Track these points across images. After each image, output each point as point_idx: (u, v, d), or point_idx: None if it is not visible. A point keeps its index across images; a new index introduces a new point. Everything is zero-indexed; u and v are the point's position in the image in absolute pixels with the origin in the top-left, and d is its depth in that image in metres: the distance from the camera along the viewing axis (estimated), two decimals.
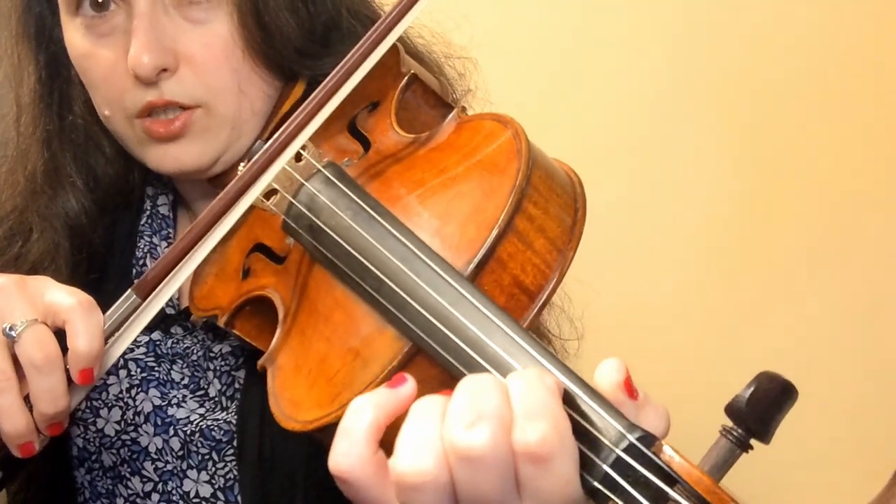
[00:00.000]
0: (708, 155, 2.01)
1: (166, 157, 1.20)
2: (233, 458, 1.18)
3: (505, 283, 0.89)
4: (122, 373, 1.25)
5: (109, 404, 1.25)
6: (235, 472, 1.18)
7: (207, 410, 1.21)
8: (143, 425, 1.22)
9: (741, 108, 1.99)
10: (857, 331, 1.96)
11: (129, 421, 1.23)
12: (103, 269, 1.29)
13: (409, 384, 0.76)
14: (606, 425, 0.70)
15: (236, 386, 1.22)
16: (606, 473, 0.69)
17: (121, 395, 1.24)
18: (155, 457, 1.22)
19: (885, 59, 1.94)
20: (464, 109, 1.03)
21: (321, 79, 1.16)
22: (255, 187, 1.01)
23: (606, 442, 0.69)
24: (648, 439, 0.69)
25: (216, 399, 1.22)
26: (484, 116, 1.01)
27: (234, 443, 1.19)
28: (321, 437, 0.93)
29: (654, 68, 2.01)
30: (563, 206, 0.94)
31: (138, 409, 1.23)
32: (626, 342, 1.81)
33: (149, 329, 1.23)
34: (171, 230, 1.32)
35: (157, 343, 1.26)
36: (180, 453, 1.20)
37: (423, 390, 0.90)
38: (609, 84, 2.03)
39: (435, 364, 0.88)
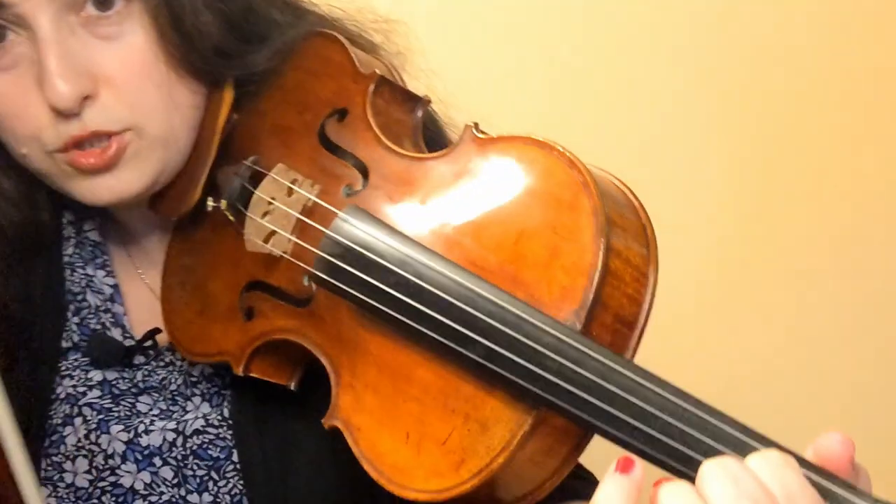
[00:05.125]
0: (714, 156, 1.99)
1: (100, 189, 1.10)
2: (234, 473, 1.16)
3: (608, 322, 0.91)
4: (78, 420, 1.18)
5: (70, 455, 1.17)
6: (241, 487, 1.16)
7: (178, 423, 1.17)
8: (122, 465, 1.17)
9: (749, 113, 1.97)
10: (866, 339, 2.02)
11: (102, 466, 1.17)
12: (28, 326, 1.19)
13: (639, 467, 0.78)
14: (849, 502, 0.75)
15: (226, 404, 1.18)
16: None
17: (80, 444, 1.17)
18: (145, 493, 1.17)
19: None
20: (476, 126, 1.00)
21: (249, 78, 1.11)
22: None
23: None
24: None
25: (192, 411, 1.18)
26: (515, 140, 0.97)
27: (234, 458, 1.16)
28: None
29: (654, 57, 1.96)
30: (635, 227, 0.94)
31: (108, 451, 1.17)
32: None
33: (98, 365, 1.18)
34: (106, 257, 1.23)
35: (113, 382, 1.19)
36: (175, 481, 1.16)
37: (549, 441, 0.92)
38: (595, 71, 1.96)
39: (559, 417, 0.90)
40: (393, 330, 0.96)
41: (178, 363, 1.19)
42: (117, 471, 1.17)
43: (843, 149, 2.02)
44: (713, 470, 0.75)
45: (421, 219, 0.99)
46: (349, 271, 0.97)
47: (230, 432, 1.16)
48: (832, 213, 2.04)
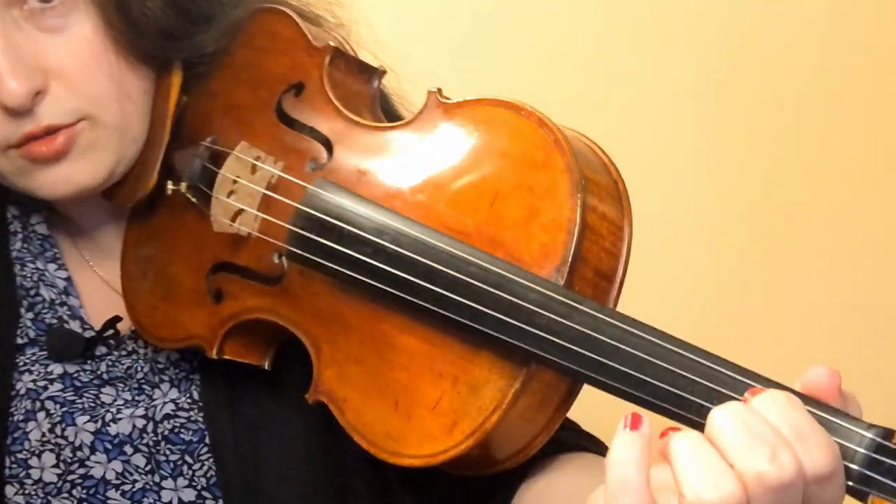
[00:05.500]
0: (714, 152, 1.98)
1: (57, 180, 1.09)
2: (208, 455, 1.15)
3: (589, 277, 0.93)
4: (41, 415, 1.16)
5: (35, 451, 1.16)
6: (216, 469, 1.15)
7: (147, 409, 1.16)
8: (92, 456, 1.15)
9: (749, 108, 1.97)
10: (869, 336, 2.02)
11: (70, 459, 1.15)
12: None
13: (647, 422, 0.79)
14: (846, 430, 0.78)
15: (194, 388, 1.17)
16: (862, 473, 0.77)
17: (45, 439, 1.16)
18: (117, 482, 1.16)
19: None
20: (440, 91, 1.01)
21: (197, 59, 1.11)
22: None
23: (852, 446, 0.77)
24: (887, 432, 0.78)
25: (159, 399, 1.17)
26: (481, 103, 0.98)
27: (207, 440, 1.15)
28: (445, 468, 0.95)
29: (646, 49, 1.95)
30: (607, 183, 0.96)
31: (76, 443, 1.16)
32: None
33: (59, 359, 1.17)
34: (56, 250, 1.21)
35: (74, 375, 1.17)
36: (147, 468, 1.15)
37: (540, 396, 0.94)
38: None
39: (549, 371, 0.92)
40: (373, 299, 0.97)
41: (142, 351, 1.18)
42: (87, 462, 1.15)
43: (843, 143, 2.03)
44: (723, 417, 0.76)
45: (392, 188, 0.99)
46: (324, 244, 0.98)
47: (201, 415, 1.15)
48: (833, 210, 2.05)
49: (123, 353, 1.18)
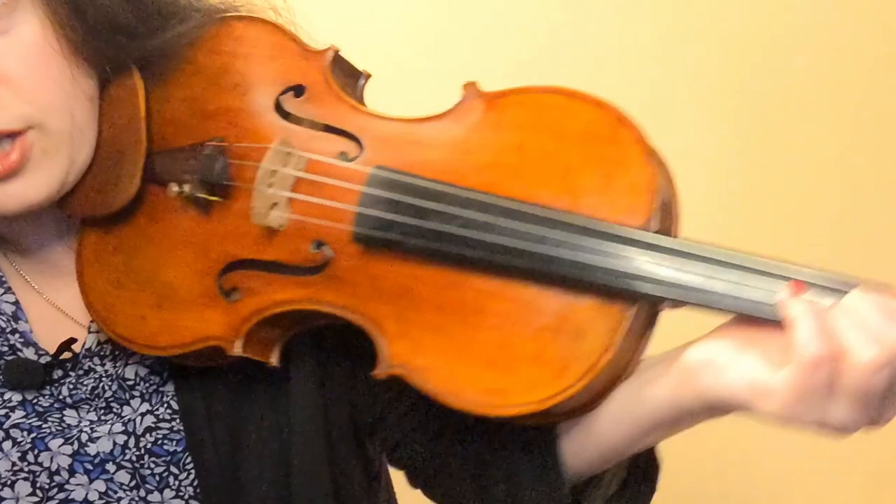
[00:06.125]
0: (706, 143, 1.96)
1: (8, 198, 1.05)
2: (192, 464, 1.13)
3: (668, 226, 1.00)
4: (7, 444, 1.10)
5: (7, 482, 1.09)
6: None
7: (125, 424, 1.12)
8: (71, 479, 1.10)
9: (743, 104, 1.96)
10: None
11: (48, 485, 1.10)
12: None
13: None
14: None
15: (167, 399, 1.13)
16: None
17: (16, 468, 1.09)
18: (101, 502, 1.11)
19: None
20: (477, 84, 1.04)
21: (153, 61, 1.10)
22: None
23: None
24: None
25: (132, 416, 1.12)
26: (530, 91, 1.02)
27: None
28: (552, 410, 0.99)
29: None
30: (655, 149, 1.02)
31: (52, 468, 1.10)
32: None
33: (15, 387, 1.11)
34: (0, 274, 1.13)
35: (34, 401, 1.11)
36: (132, 484, 1.11)
37: (639, 330, 1.00)
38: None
39: (646, 306, 0.98)
40: (448, 268, 1.00)
41: (101, 369, 1.12)
42: (66, 486, 1.10)
43: (848, 139, 2.10)
44: (861, 301, 0.89)
45: (448, 173, 1.02)
46: (403, 222, 1.00)
47: (182, 424, 1.12)
48: (842, 205, 2.11)
49: (81, 372, 1.13)
